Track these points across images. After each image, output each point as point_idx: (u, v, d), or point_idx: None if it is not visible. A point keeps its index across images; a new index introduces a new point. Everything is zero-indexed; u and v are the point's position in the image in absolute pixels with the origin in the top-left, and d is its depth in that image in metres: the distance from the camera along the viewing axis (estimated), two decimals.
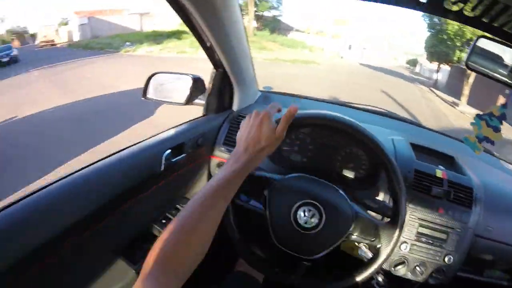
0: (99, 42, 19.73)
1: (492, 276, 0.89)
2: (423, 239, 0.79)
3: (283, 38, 23.72)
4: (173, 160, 0.82)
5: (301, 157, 0.93)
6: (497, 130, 0.68)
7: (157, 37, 18.95)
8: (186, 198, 0.99)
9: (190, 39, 13.98)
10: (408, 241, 0.79)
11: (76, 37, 28.52)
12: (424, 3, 0.54)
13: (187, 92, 0.97)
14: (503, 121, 0.68)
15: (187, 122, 0.96)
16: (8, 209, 0.53)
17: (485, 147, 0.68)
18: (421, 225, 0.79)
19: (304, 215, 0.62)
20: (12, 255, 0.49)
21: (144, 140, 0.81)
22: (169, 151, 0.81)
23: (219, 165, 0.98)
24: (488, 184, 0.87)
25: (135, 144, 0.79)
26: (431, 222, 0.78)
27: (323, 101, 1.35)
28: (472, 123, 0.69)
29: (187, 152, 0.88)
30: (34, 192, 0.57)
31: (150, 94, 0.94)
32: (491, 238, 0.82)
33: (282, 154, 0.94)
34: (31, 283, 0.54)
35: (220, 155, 0.98)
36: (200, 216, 0.47)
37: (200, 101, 1.02)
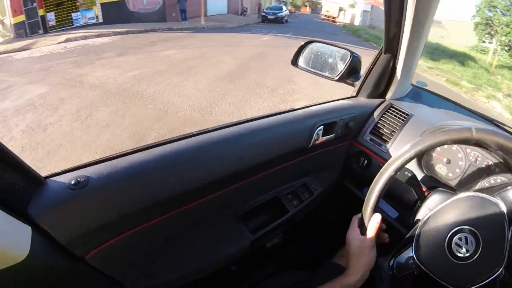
0: (369, 33, 18.17)
1: None
2: None
3: None
4: (322, 137, 0.80)
5: (446, 171, 0.80)
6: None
7: (436, 51, 14.33)
8: (317, 178, 0.94)
9: (474, 71, 10.78)
10: None
11: (357, 22, 30.70)
12: None
13: (342, 67, 0.91)
14: None
15: (338, 100, 0.92)
16: (142, 153, 0.52)
17: None
18: None
19: (460, 244, 0.51)
20: (138, 204, 0.50)
21: (297, 109, 0.79)
22: (321, 127, 0.78)
23: (360, 154, 0.92)
24: None
25: (288, 111, 0.77)
26: None
27: (475, 113, 1.03)
28: None
29: (336, 132, 0.84)
30: (168, 142, 0.57)
31: (301, 62, 0.94)
32: None
33: (427, 162, 0.83)
34: (150, 232, 0.56)
35: (364, 143, 0.91)
36: None
37: (352, 80, 0.95)
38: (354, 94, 0.96)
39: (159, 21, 11.40)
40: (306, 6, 54.45)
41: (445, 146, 0.81)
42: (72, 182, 0.43)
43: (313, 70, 0.95)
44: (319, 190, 0.89)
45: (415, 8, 0.69)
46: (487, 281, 0.50)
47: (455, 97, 1.17)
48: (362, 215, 0.55)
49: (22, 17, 9.56)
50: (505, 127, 0.95)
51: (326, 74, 0.93)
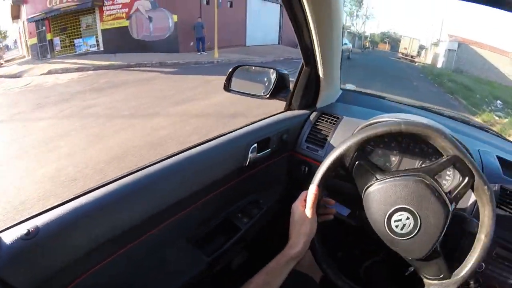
0: (454, 80, 13.70)
1: None
2: (499, 261, 0.73)
3: None
4: (258, 154, 0.84)
5: (383, 161, 0.88)
6: None
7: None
8: (264, 193, 0.98)
9: None
10: (484, 260, 0.67)
11: (440, 63, 25.52)
12: None
13: (271, 86, 0.94)
14: None
15: (271, 116, 0.96)
16: (92, 193, 0.55)
17: None
18: (499, 246, 0.72)
19: (399, 222, 0.58)
20: (91, 243, 0.51)
21: (229, 132, 0.84)
22: (255, 145, 0.82)
23: (300, 162, 0.97)
24: None
25: (221, 136, 0.81)
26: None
27: (407, 105, 1.24)
28: None
29: (272, 147, 0.89)
30: (115, 180, 0.59)
31: (233, 86, 0.98)
32: None
33: (367, 157, 0.86)
34: (110, 268, 0.56)
35: (302, 152, 0.97)
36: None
37: (283, 96, 0.99)
38: (286, 108, 1.01)
39: (170, 51, 9.47)
40: (385, 42, 52.77)
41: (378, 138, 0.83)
42: (24, 233, 0.46)
43: (245, 92, 0.99)
44: (267, 204, 0.93)
45: (316, 22, 0.76)
46: (429, 252, 0.57)
47: None
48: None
49: (35, 40, 9.72)
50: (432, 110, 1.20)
51: (257, 94, 0.96)
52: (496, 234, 0.69)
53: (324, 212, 0.66)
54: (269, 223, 0.95)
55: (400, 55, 28.16)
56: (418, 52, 29.25)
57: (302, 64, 0.94)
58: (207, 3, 10.95)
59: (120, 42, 9.12)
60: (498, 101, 9.62)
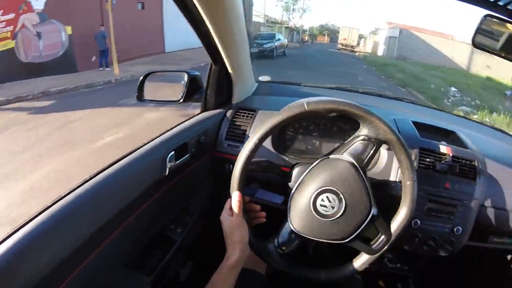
0: (403, 69, 13.93)
1: (498, 242, 1.07)
2: (433, 214, 0.91)
3: None
4: (177, 162, 0.89)
5: (305, 145, 1.02)
6: None
7: (492, 90, 11.54)
8: (193, 199, 1.04)
9: None
10: (418, 217, 0.90)
11: (381, 51, 27.21)
12: None
13: (184, 89, 1.02)
14: None
15: (187, 120, 1.02)
16: (19, 231, 0.56)
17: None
18: (429, 201, 0.91)
19: (324, 203, 0.67)
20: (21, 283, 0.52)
21: (144, 144, 0.87)
22: (172, 153, 0.87)
23: (223, 161, 1.05)
24: (488, 155, 1.03)
25: (136, 150, 0.84)
26: (439, 197, 0.90)
27: (322, 87, 1.47)
28: None
29: (191, 152, 0.95)
30: (38, 214, 0.59)
31: (146, 95, 1.04)
32: (496, 206, 0.98)
33: (287, 143, 1.03)
34: None
35: (223, 150, 1.05)
36: None
37: (198, 97, 1.08)
38: (202, 110, 1.08)
39: (67, 71, 8.33)
40: (324, 35, 57.23)
41: (297, 124, 1.02)
42: None
43: (159, 99, 1.07)
44: (198, 208, 0.99)
45: (213, 20, 0.82)
46: (362, 227, 0.68)
47: None
48: None
49: None
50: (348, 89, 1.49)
51: (172, 99, 1.04)
52: (425, 192, 0.91)
53: (254, 216, 0.75)
54: (204, 226, 1.02)
55: (340, 46, 30.33)
56: (358, 42, 31.61)
57: (211, 63, 1.03)
58: None
59: (8, 68, 7.76)
60: (453, 88, 10.69)
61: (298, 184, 0.70)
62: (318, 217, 0.67)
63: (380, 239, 0.71)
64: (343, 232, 0.69)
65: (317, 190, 0.67)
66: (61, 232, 0.58)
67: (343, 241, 0.69)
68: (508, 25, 0.71)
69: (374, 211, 0.68)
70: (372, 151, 0.72)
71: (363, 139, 0.73)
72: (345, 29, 30.93)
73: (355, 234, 0.68)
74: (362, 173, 0.69)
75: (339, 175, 0.69)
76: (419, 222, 0.92)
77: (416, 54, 20.34)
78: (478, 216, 0.97)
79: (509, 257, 1.24)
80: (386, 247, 0.71)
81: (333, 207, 0.67)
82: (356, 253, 0.75)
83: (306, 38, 40.00)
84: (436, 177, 0.93)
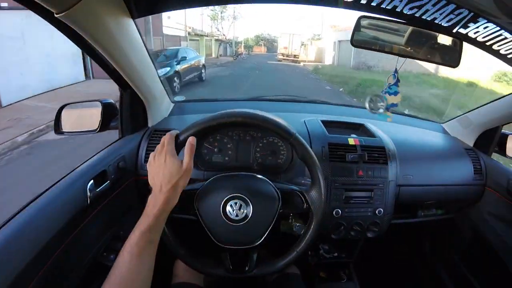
0: (369, 79, 14.15)
1: (428, 214, 1.53)
2: (352, 201, 1.24)
3: None
4: (97, 190, 1.07)
5: (222, 157, 1.33)
6: (396, 94, 1.22)
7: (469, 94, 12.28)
8: (123, 224, 1.25)
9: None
10: (338, 206, 1.23)
11: (329, 59, 27.37)
12: None
13: (99, 118, 1.33)
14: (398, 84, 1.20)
15: (105, 148, 1.27)
16: None
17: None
18: (346, 190, 1.24)
19: (233, 209, 0.90)
20: None
21: (64, 177, 1.05)
22: (91, 182, 1.05)
23: (144, 185, 1.19)
24: (399, 139, 1.42)
25: (56, 183, 1.01)
26: (354, 185, 1.22)
27: (235, 100, 1.95)
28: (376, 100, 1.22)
29: (111, 178, 1.15)
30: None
31: (63, 127, 1.34)
32: (413, 184, 1.34)
33: (204, 158, 1.32)
34: None
35: (144, 173, 1.18)
36: (133, 266, 0.71)
37: (115, 124, 1.37)
38: (120, 136, 1.37)
39: None
40: (260, 45, 61.15)
41: (211, 138, 1.32)
42: None
43: (77, 131, 1.36)
44: (129, 234, 1.23)
45: (104, 48, 0.98)
46: (264, 236, 0.92)
47: None
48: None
49: None
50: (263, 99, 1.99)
51: (89, 129, 1.33)
52: (340, 183, 1.22)
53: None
54: None
55: (281, 56, 31.90)
56: (300, 50, 31.92)
57: (120, 90, 1.30)
58: None
59: None
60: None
61: (203, 202, 0.94)
62: (233, 223, 0.90)
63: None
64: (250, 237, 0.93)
65: (223, 200, 0.90)
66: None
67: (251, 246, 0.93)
68: (380, 22, 1.04)
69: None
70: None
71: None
72: (285, 36, 31.80)
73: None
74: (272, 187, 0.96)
75: (240, 180, 0.97)
76: (340, 211, 1.23)
77: (385, 61, 18.67)
78: (398, 195, 1.31)
79: (440, 225, 1.74)
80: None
81: (242, 211, 0.90)
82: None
83: (241, 50, 41.33)
84: (348, 167, 1.25)
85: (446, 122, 1.82)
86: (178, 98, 1.80)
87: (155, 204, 0.77)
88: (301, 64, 28.71)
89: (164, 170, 0.79)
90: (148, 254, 0.75)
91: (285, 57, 31.30)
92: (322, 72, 20.49)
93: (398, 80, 1.19)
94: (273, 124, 0.91)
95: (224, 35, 37.24)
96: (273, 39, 63.36)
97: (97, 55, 1.07)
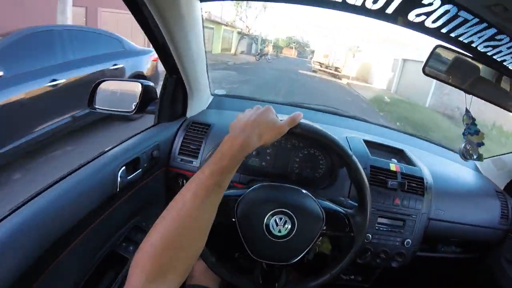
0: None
1: (447, 251, 1.71)
2: (383, 228, 1.43)
3: None
4: (129, 177, 1.22)
5: (259, 161, 1.51)
6: (478, 133, 1.42)
7: None
8: (145, 215, 1.41)
9: None
10: (370, 232, 1.42)
11: (381, 81, 24.39)
12: (389, 14, 1.11)
13: (137, 100, 1.53)
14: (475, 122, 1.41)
15: (139, 133, 1.45)
16: None
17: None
18: (380, 216, 1.42)
19: (277, 225, 1.01)
20: None
21: (95, 159, 1.17)
22: (123, 168, 1.19)
23: (177, 176, 1.48)
24: (435, 171, 1.62)
25: (84, 165, 1.12)
26: (389, 212, 1.39)
27: (275, 102, 2.22)
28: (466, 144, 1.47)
29: (143, 167, 1.31)
30: None
31: (97, 103, 1.54)
32: (443, 219, 1.53)
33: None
34: None
35: (177, 165, 1.50)
36: (194, 209, 0.72)
37: (152, 109, 1.58)
38: (155, 122, 1.58)
39: None
40: (291, 48, 62.21)
41: None
42: None
43: (111, 109, 1.56)
44: (150, 227, 1.37)
45: (169, 31, 1.16)
46: (303, 254, 1.03)
47: None
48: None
49: None
50: (302, 106, 2.23)
51: (125, 110, 1.54)
52: (376, 208, 1.40)
53: None
54: None
55: (317, 66, 29.92)
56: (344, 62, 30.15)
57: (166, 75, 1.48)
58: None
59: None
60: None
61: (245, 212, 1.04)
62: (274, 239, 1.01)
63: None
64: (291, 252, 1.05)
65: (269, 213, 1.01)
66: (4, 255, 0.78)
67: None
68: (455, 54, 1.19)
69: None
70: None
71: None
72: (326, 41, 31.02)
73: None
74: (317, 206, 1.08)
75: (285, 194, 1.10)
76: (370, 236, 1.41)
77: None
78: (427, 229, 1.48)
79: (457, 263, 1.93)
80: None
81: (286, 227, 1.01)
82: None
83: (269, 49, 39.88)
84: (386, 193, 1.43)
85: None
86: (218, 91, 2.05)
87: (233, 144, 0.80)
88: (344, 81, 26.09)
89: (257, 117, 0.88)
90: (214, 200, 0.77)
91: (322, 68, 29.81)
92: (389, 108, 16.02)
93: (474, 119, 1.39)
94: (334, 143, 1.03)
95: (247, 26, 34.40)
96: (306, 43, 65.60)
97: (155, 35, 1.21)
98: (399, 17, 1.11)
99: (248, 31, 35.14)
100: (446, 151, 2.09)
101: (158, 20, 1.08)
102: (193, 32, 1.29)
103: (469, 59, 1.24)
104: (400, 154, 1.74)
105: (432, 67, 1.27)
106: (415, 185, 1.48)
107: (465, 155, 1.47)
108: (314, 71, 29.00)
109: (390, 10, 1.09)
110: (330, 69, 29.13)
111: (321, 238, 1.27)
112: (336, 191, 1.47)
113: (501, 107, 1.31)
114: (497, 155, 1.90)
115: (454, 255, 1.76)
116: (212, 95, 1.96)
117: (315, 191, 1.30)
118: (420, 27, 1.13)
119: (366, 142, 1.69)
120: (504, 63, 1.15)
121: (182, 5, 1.10)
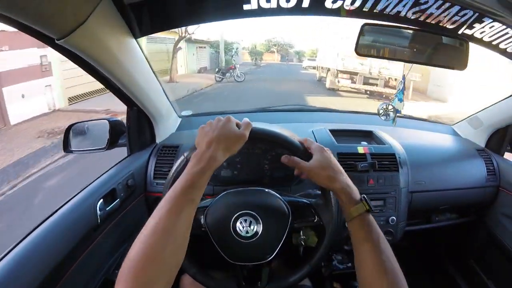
0: None
1: (442, 219, 1.76)
2: None
3: None
4: (107, 208, 1.29)
5: (231, 172, 1.55)
6: (401, 101, 1.58)
7: None
8: (133, 241, 1.45)
9: None
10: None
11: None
12: (306, 7, 1.13)
13: (107, 136, 1.59)
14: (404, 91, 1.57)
15: (114, 166, 1.53)
16: None
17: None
18: None
19: (243, 227, 1.04)
20: None
21: (73, 197, 1.23)
22: (101, 201, 1.26)
23: (157, 200, 1.32)
24: (409, 145, 1.65)
25: (65, 204, 1.19)
26: (366, 194, 1.20)
27: (242, 112, 2.28)
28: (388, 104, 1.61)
29: (120, 196, 1.38)
30: None
31: (72, 146, 1.59)
32: (425, 190, 1.57)
33: (213, 173, 1.64)
34: None
35: (154, 190, 1.56)
36: (170, 224, 0.77)
37: (123, 142, 1.65)
38: (128, 154, 1.65)
39: None
40: (273, 51, 59.11)
41: None
42: None
43: (86, 149, 1.62)
44: None
45: (108, 69, 1.17)
46: (273, 255, 1.04)
47: None
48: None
49: None
50: (269, 110, 2.30)
51: (98, 147, 1.59)
52: None
53: None
54: None
55: (345, 81, 17.33)
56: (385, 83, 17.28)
57: (127, 108, 1.54)
58: None
59: None
60: None
61: (212, 220, 1.07)
62: (244, 240, 1.02)
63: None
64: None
65: (233, 217, 1.04)
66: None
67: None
68: (384, 28, 1.23)
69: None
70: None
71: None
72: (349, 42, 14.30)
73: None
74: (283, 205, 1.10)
75: (249, 196, 1.13)
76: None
77: None
78: (411, 203, 1.53)
79: (458, 230, 1.98)
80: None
81: (252, 228, 1.03)
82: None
83: (236, 62, 27.42)
84: (359, 177, 1.48)
85: (456, 123, 2.07)
86: (185, 112, 2.11)
87: (200, 160, 0.87)
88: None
89: (219, 131, 0.94)
90: (188, 214, 0.81)
91: (357, 85, 17.12)
92: None
93: (404, 88, 1.48)
94: (281, 138, 1.08)
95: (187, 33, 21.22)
96: (288, 43, 63.43)
97: (101, 76, 1.25)
98: (313, 8, 1.15)
99: (187, 34, 21.67)
100: (421, 122, 2.14)
101: (98, 66, 1.13)
102: (135, 66, 1.32)
103: (402, 30, 1.28)
104: (370, 136, 1.80)
105: (363, 45, 1.30)
106: (387, 162, 1.53)
107: (382, 113, 1.55)
108: (336, 89, 17.95)
109: (305, 3, 1.13)
110: (374, 84, 16.85)
111: (302, 231, 1.25)
112: (309, 183, 1.42)
113: (442, 67, 1.34)
114: (471, 115, 1.96)
115: (451, 221, 1.81)
116: (179, 117, 2.03)
117: (290, 188, 1.47)
118: (337, 12, 1.17)
119: (332, 131, 1.75)
120: (440, 24, 1.18)
121: (114, 48, 1.13)
